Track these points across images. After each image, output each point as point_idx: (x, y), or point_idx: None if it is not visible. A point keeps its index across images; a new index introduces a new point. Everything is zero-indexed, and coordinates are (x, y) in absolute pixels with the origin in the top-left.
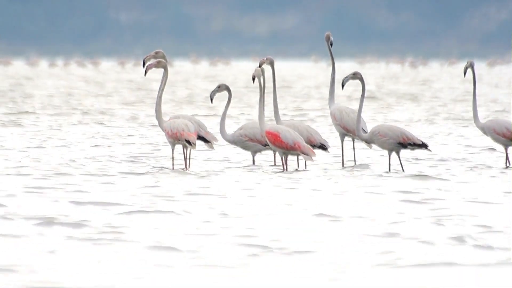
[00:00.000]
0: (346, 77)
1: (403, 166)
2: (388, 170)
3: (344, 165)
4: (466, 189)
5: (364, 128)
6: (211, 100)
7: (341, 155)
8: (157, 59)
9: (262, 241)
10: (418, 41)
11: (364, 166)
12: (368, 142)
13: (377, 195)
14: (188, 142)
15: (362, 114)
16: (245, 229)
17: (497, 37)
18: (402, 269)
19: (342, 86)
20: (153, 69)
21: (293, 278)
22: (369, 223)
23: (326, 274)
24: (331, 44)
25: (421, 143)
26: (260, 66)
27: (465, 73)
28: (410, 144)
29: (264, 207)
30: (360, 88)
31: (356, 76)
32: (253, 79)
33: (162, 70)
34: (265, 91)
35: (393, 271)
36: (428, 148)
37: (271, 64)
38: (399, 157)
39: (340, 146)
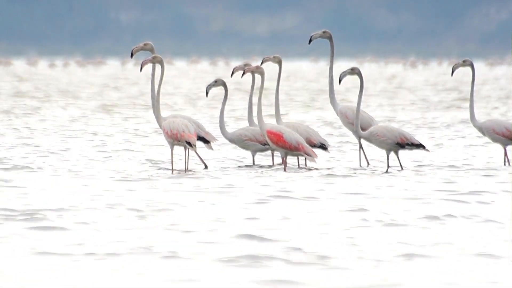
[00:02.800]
0: (343, 72)
1: (402, 165)
2: (386, 169)
3: (361, 164)
4: (471, 189)
5: (372, 124)
6: (207, 93)
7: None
8: (154, 55)
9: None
10: (418, 41)
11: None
12: (367, 141)
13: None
14: (189, 143)
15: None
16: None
17: (497, 37)
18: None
19: (340, 81)
20: (149, 64)
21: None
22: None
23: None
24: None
25: (418, 143)
26: (262, 63)
27: (452, 72)
28: (408, 144)
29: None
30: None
31: (354, 71)
32: (233, 73)
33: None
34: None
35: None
36: (426, 148)
37: (279, 63)
38: (397, 157)
39: (358, 146)
